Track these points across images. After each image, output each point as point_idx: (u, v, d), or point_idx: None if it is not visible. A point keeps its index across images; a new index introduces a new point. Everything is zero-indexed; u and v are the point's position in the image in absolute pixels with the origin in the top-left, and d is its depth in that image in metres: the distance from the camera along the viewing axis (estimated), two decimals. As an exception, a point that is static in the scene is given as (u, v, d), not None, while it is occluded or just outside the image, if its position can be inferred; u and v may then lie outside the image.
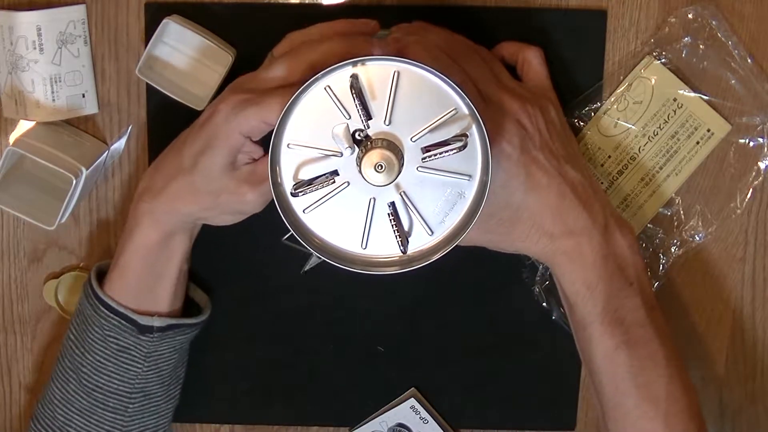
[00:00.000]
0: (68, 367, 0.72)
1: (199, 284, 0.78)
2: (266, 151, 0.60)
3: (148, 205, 0.69)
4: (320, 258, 0.61)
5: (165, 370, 0.74)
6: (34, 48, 0.71)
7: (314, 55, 0.63)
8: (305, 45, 0.65)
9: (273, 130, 0.60)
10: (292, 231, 0.61)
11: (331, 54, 0.61)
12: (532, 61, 0.72)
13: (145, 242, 0.70)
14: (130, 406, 0.73)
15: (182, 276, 0.74)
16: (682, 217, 0.78)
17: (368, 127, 0.59)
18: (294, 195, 0.60)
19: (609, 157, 0.77)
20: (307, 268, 0.77)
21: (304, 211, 0.61)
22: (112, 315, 0.71)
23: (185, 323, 0.73)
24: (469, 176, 0.61)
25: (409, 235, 0.61)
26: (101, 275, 0.73)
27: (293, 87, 0.60)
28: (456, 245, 0.60)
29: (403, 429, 0.81)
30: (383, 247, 0.61)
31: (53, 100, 0.73)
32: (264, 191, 0.66)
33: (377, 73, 0.59)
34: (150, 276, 0.71)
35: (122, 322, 0.71)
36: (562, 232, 0.66)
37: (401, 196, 0.60)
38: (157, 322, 0.71)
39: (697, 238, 0.78)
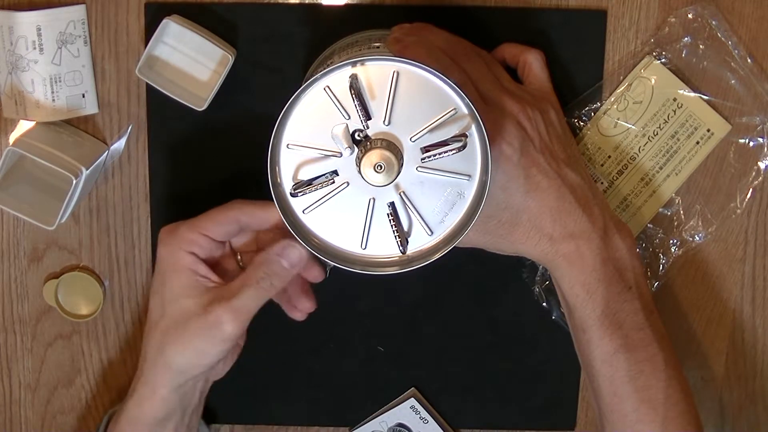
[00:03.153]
0: None
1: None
2: (266, 152, 0.60)
3: (140, 372, 0.68)
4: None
5: None
6: (34, 48, 0.71)
7: None
8: None
9: (272, 131, 0.60)
10: (293, 232, 0.61)
11: None
12: (533, 63, 0.72)
13: (139, 415, 0.68)
14: None
15: None
16: (682, 217, 0.78)
17: (368, 128, 0.59)
18: (293, 195, 0.60)
19: (609, 157, 0.77)
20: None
21: (303, 212, 0.61)
22: None
23: None
24: (469, 176, 0.61)
25: (409, 235, 0.61)
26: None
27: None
28: (456, 246, 0.60)
29: (403, 429, 0.81)
30: (383, 247, 0.61)
31: (53, 100, 0.73)
32: (235, 307, 0.64)
33: (377, 73, 0.59)
34: None
35: None
36: (561, 234, 0.66)
37: (401, 196, 0.60)
38: None
39: (697, 238, 0.78)
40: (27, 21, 0.71)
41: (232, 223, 0.67)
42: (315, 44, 0.74)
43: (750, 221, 0.78)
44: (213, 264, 0.68)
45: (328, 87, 0.59)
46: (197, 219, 0.67)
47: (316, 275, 0.69)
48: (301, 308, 0.71)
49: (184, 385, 0.68)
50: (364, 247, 0.61)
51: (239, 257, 0.71)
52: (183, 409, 0.70)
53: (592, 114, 0.76)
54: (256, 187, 0.70)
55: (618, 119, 0.76)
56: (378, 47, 0.68)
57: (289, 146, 0.60)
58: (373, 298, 0.79)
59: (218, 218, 0.67)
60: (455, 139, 0.59)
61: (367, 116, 0.59)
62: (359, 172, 0.59)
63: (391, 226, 0.60)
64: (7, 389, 0.81)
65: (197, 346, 0.65)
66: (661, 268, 0.78)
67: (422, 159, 0.60)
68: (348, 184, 0.60)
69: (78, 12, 0.74)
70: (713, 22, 0.75)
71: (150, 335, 0.67)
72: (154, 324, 0.67)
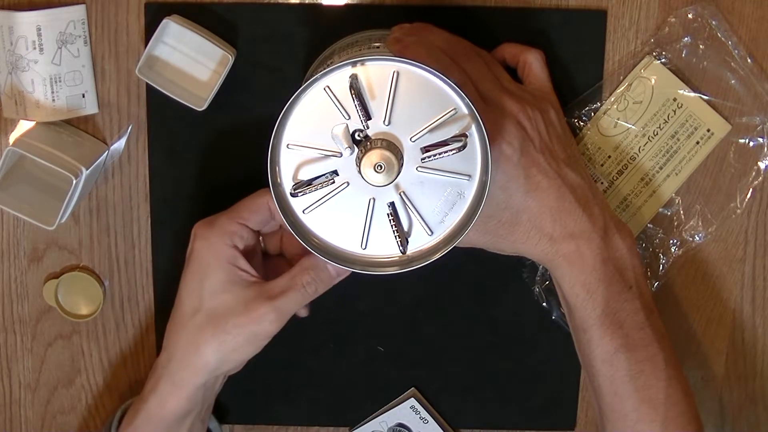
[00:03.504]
0: None
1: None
2: (266, 152, 0.60)
3: (163, 368, 0.68)
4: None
5: None
6: (34, 48, 0.71)
7: None
8: None
9: (272, 130, 0.60)
10: (292, 232, 0.61)
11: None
12: (533, 63, 0.72)
13: (159, 412, 0.68)
14: None
15: None
16: (682, 217, 0.78)
17: (368, 128, 0.59)
18: (293, 195, 0.60)
19: (609, 157, 0.77)
20: None
21: (303, 212, 0.61)
22: None
23: None
24: (469, 176, 0.61)
25: (409, 235, 0.61)
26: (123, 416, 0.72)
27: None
28: (456, 246, 0.60)
29: (403, 429, 0.81)
30: (383, 247, 0.61)
31: (53, 100, 0.73)
32: (279, 307, 0.65)
33: (377, 73, 0.59)
34: None
35: None
36: (561, 234, 0.66)
37: (401, 196, 0.60)
38: None
39: (697, 238, 0.78)
40: (27, 21, 0.71)
41: (265, 210, 0.67)
42: (315, 44, 0.74)
43: (750, 221, 0.78)
44: (249, 255, 0.67)
45: (328, 87, 0.59)
46: (234, 209, 0.66)
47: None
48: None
49: (210, 381, 0.68)
50: (364, 247, 0.61)
51: (263, 244, 0.70)
52: (203, 404, 0.70)
53: (592, 114, 0.76)
54: (256, 187, 0.70)
55: (618, 119, 0.76)
56: (378, 47, 0.68)
57: (289, 146, 0.60)
58: (373, 298, 0.79)
59: (253, 207, 0.66)
60: (455, 139, 0.59)
61: (367, 116, 0.59)
62: (359, 172, 0.59)
63: (391, 226, 0.60)
64: (7, 389, 0.81)
65: (236, 344, 0.65)
66: (661, 268, 0.78)
67: (422, 159, 0.60)
68: (348, 184, 0.60)
69: (78, 12, 0.74)
70: (713, 22, 0.75)
71: (180, 331, 0.67)
72: (186, 319, 0.66)
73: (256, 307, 0.65)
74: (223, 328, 0.65)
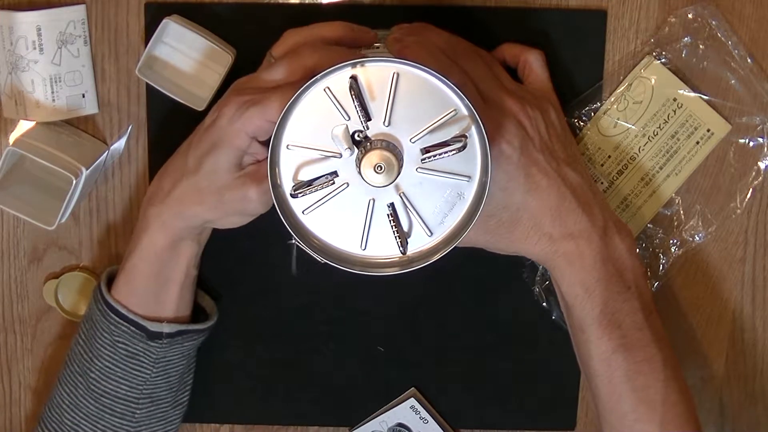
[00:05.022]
0: (76, 372, 0.72)
1: (203, 287, 0.78)
2: (265, 153, 0.60)
3: (155, 209, 0.69)
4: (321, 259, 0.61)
5: (173, 376, 0.74)
6: (34, 48, 0.71)
7: (313, 60, 0.64)
8: (305, 48, 0.65)
9: (273, 131, 0.60)
10: (291, 232, 0.61)
11: (329, 60, 0.61)
12: (533, 63, 0.72)
13: (152, 247, 0.70)
14: (138, 411, 0.73)
15: (191, 281, 0.74)
16: (682, 217, 0.78)
17: (368, 128, 0.59)
18: (293, 196, 0.60)
19: (609, 157, 0.77)
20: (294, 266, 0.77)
21: (303, 212, 0.61)
22: (121, 321, 0.71)
23: (194, 329, 0.73)
24: (469, 177, 0.60)
25: (409, 236, 0.61)
26: (111, 280, 0.73)
27: (294, 86, 0.60)
28: (455, 246, 0.60)
29: (403, 429, 0.81)
30: (383, 248, 0.61)
31: (53, 100, 0.73)
32: (267, 189, 0.66)
33: (376, 74, 0.59)
34: (158, 281, 0.71)
35: (131, 328, 0.71)
36: (561, 234, 0.66)
37: (401, 197, 0.60)
38: (166, 329, 0.71)
39: (697, 238, 0.78)
40: (27, 21, 0.71)
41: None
42: (315, 44, 0.73)
43: (750, 221, 0.78)
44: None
45: (328, 88, 0.59)
46: (269, 104, 0.63)
47: None
48: None
49: (199, 227, 0.70)
50: (364, 247, 0.61)
51: None
52: (197, 244, 0.72)
53: (592, 114, 0.76)
54: (256, 188, 0.70)
55: (618, 119, 0.76)
56: (378, 47, 0.68)
57: (289, 147, 0.60)
58: (373, 298, 0.79)
59: (282, 106, 0.62)
60: (455, 139, 0.59)
61: (367, 117, 0.59)
62: (359, 172, 0.59)
63: (391, 226, 0.60)
64: (7, 389, 0.81)
65: (225, 213, 0.68)
66: (661, 268, 0.78)
67: (422, 160, 0.59)
68: (348, 184, 0.60)
69: (78, 12, 0.74)
70: (713, 22, 0.75)
71: (177, 183, 0.68)
72: (186, 173, 0.67)
73: (248, 188, 0.66)
74: (219, 200, 0.67)
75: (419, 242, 0.62)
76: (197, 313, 0.77)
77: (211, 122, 0.66)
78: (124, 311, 0.70)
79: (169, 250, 0.70)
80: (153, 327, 0.71)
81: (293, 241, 0.62)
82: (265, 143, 0.65)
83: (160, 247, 0.70)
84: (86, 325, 0.73)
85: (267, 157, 0.64)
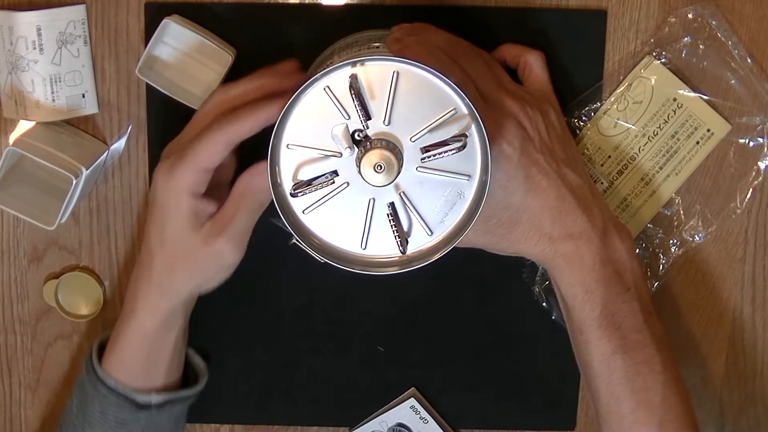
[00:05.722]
0: None
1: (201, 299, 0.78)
2: (266, 152, 0.60)
3: (141, 293, 0.69)
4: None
5: None
6: (34, 48, 0.71)
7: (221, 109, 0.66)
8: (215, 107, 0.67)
9: (272, 131, 0.60)
10: (291, 232, 0.61)
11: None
12: (534, 64, 0.72)
13: (142, 330, 0.70)
14: None
15: (179, 352, 0.74)
16: (682, 217, 0.78)
17: (367, 128, 0.59)
18: (293, 195, 0.60)
19: (609, 157, 0.77)
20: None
21: (303, 212, 0.61)
22: (110, 393, 0.71)
23: (183, 396, 0.74)
24: (469, 176, 0.61)
25: (409, 236, 0.61)
26: (103, 348, 0.73)
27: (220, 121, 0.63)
28: (455, 246, 0.60)
29: (403, 429, 0.81)
30: (383, 247, 0.61)
31: (53, 100, 0.73)
32: (233, 235, 0.66)
33: (376, 73, 0.59)
34: (148, 357, 0.71)
35: (120, 399, 0.71)
36: (561, 235, 0.66)
37: (400, 196, 0.60)
38: (154, 399, 0.71)
39: (697, 238, 0.78)
40: (27, 21, 0.71)
41: (223, 147, 0.65)
42: (315, 44, 0.73)
43: (750, 221, 0.78)
44: (207, 189, 0.68)
45: (328, 87, 0.59)
46: (191, 154, 0.64)
47: None
48: None
49: (187, 301, 0.71)
50: (364, 247, 0.61)
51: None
52: (184, 317, 0.72)
53: (592, 114, 0.76)
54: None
55: (618, 119, 0.76)
56: (378, 47, 0.68)
57: (289, 146, 0.60)
58: (373, 298, 0.79)
59: (210, 147, 0.64)
60: (455, 138, 0.59)
61: (367, 116, 0.59)
62: (359, 172, 0.59)
63: (391, 226, 0.60)
64: (7, 389, 0.81)
65: (205, 275, 0.68)
66: (661, 268, 0.78)
67: (422, 159, 0.60)
68: (348, 184, 0.60)
69: (78, 12, 0.74)
70: (713, 22, 0.75)
71: (152, 263, 0.68)
72: (155, 252, 0.68)
73: (213, 242, 0.66)
74: (191, 264, 0.67)
75: (419, 242, 0.62)
76: (188, 373, 0.77)
77: (151, 197, 0.67)
78: (113, 384, 0.71)
79: (157, 332, 0.70)
80: (142, 398, 0.71)
81: (294, 241, 0.62)
82: (213, 196, 0.67)
83: (149, 330, 0.70)
84: (79, 391, 0.73)
85: (219, 208, 0.65)
